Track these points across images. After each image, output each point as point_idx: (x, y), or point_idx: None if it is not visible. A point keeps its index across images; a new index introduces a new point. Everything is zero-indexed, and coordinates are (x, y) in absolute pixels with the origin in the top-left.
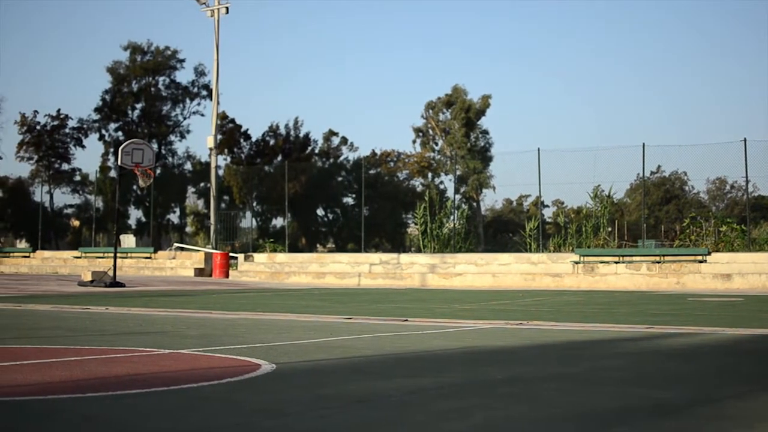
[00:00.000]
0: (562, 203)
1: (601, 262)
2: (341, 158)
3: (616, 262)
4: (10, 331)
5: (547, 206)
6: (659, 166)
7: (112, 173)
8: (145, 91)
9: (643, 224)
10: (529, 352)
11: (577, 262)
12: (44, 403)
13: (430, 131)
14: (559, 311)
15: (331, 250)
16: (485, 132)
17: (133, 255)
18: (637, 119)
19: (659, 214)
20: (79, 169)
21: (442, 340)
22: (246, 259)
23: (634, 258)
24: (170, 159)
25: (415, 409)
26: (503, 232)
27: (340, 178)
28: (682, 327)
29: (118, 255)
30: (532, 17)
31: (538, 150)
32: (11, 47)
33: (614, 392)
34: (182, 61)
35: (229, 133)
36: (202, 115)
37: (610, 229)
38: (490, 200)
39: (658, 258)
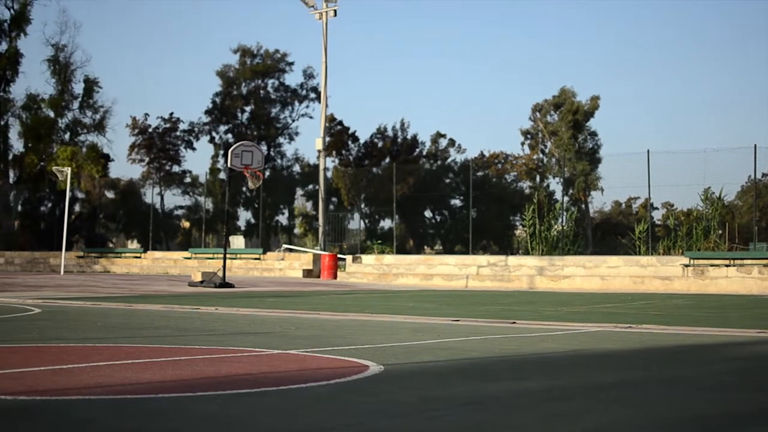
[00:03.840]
0: (672, 205)
1: (712, 265)
2: (449, 160)
3: (727, 266)
4: (123, 330)
5: (657, 208)
6: None
7: (222, 175)
8: (255, 93)
9: (754, 227)
10: (638, 356)
11: (686, 265)
12: (156, 402)
13: (539, 134)
14: (669, 315)
15: (438, 252)
16: (594, 134)
17: (243, 256)
18: (749, 120)
19: None
20: (190, 171)
21: (551, 343)
22: (354, 260)
23: (746, 261)
24: (279, 161)
25: (524, 412)
26: (612, 234)
27: (447, 180)
28: None
29: (227, 256)
30: (641, 17)
31: (648, 152)
32: (123, 51)
33: (723, 397)
34: (291, 63)
35: (337, 135)
36: (311, 117)
37: (720, 231)
38: (599, 202)
39: None
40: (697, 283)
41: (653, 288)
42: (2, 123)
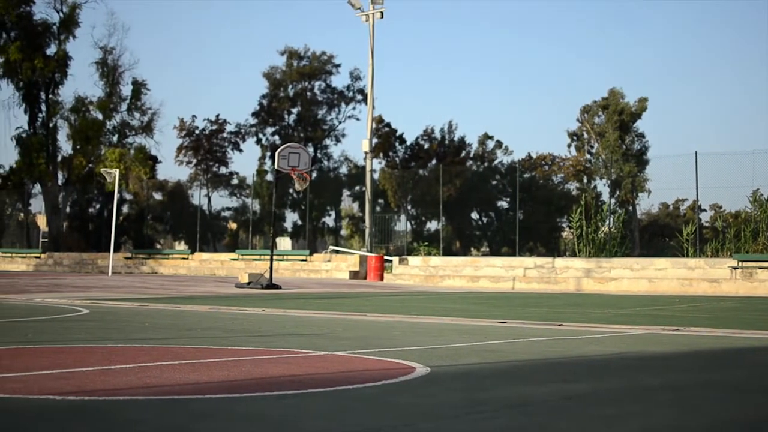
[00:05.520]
0: (720, 207)
1: (760, 268)
2: (496, 162)
3: None
4: (170, 330)
5: (704, 210)
6: None
7: (269, 177)
8: (301, 95)
9: None
10: (686, 359)
11: (735, 268)
12: (203, 402)
13: (585, 135)
14: (717, 317)
15: (484, 254)
16: (641, 135)
17: (289, 257)
18: None
19: None
20: (237, 173)
21: (598, 346)
22: (400, 262)
23: None
24: (326, 162)
25: (570, 415)
26: (659, 236)
27: (494, 182)
28: None
29: (274, 257)
30: (690, 18)
31: (696, 153)
32: (171, 53)
33: None
34: (338, 65)
35: (385, 137)
36: (358, 119)
37: None
38: (646, 204)
39: None
40: (746, 285)
41: (701, 290)
42: (51, 125)
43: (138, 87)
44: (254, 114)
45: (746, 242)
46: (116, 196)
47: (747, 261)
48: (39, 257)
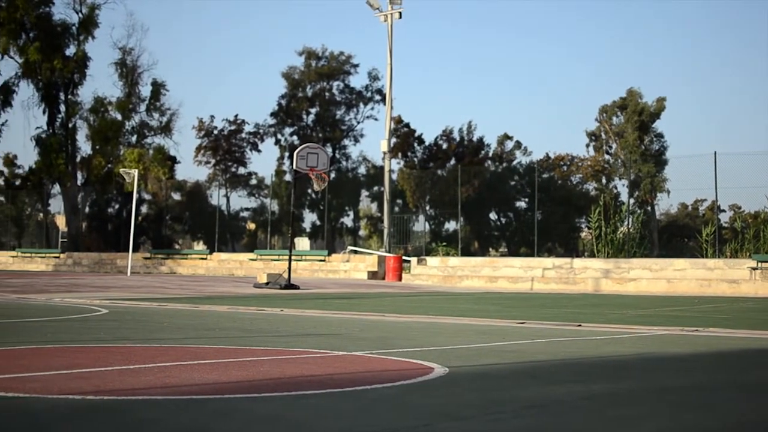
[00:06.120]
0: (739, 208)
1: None
2: (514, 162)
3: None
4: (189, 330)
5: (724, 211)
6: None
7: (288, 177)
8: (320, 95)
9: None
10: (704, 360)
11: (754, 268)
12: (221, 402)
13: (603, 135)
14: (736, 318)
15: (503, 254)
16: (660, 135)
17: (308, 258)
18: None
19: None
20: (255, 173)
21: (616, 346)
22: (419, 262)
23: None
24: (344, 163)
25: (588, 416)
26: (678, 237)
27: (512, 182)
28: None
29: (292, 257)
30: (709, 19)
31: (715, 153)
32: (189, 54)
33: None
34: (356, 66)
35: (403, 137)
36: (376, 119)
37: None
38: (665, 204)
39: None
40: (765, 286)
41: (720, 291)
42: (70, 125)
43: (157, 87)
44: (273, 114)
45: (765, 243)
46: (135, 196)
47: (766, 262)
48: (58, 257)
